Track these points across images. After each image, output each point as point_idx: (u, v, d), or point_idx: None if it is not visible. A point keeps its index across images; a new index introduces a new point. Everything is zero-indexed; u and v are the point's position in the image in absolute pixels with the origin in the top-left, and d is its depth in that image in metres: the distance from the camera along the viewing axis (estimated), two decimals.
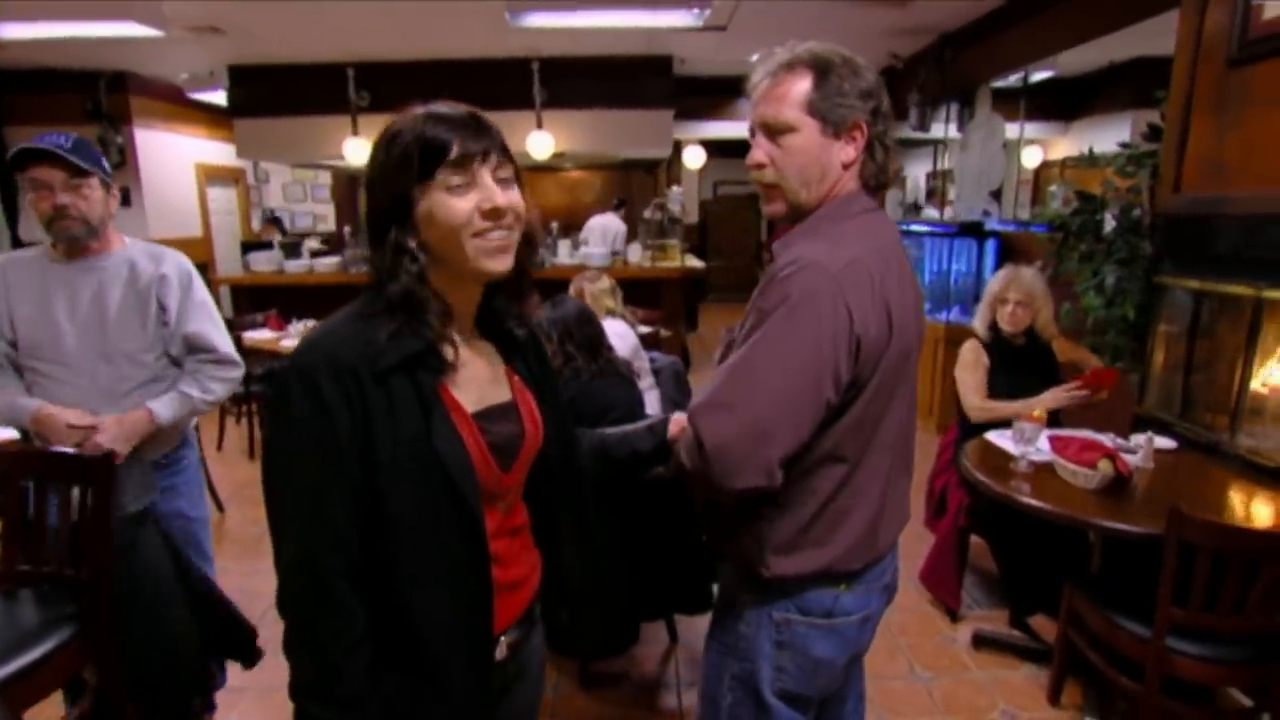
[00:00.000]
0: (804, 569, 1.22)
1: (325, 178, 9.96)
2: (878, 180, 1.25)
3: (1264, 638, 1.91)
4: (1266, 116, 2.43)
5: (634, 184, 11.06)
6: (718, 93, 7.77)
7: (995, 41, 5.14)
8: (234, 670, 2.32)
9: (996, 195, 5.96)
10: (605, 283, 3.37)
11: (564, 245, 7.16)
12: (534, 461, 1.12)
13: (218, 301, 2.26)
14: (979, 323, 2.97)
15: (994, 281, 2.94)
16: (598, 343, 2.44)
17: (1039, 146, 7.86)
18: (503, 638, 1.08)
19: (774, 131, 1.20)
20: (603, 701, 2.48)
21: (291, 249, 7.07)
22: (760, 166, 1.23)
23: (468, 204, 0.94)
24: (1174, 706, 1.98)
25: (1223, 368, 2.64)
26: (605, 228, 7.82)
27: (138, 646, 1.83)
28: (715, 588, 1.47)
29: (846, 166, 1.21)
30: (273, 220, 8.92)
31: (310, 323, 4.99)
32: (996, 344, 2.91)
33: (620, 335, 2.97)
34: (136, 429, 1.93)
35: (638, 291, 5.64)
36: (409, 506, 0.95)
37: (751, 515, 1.23)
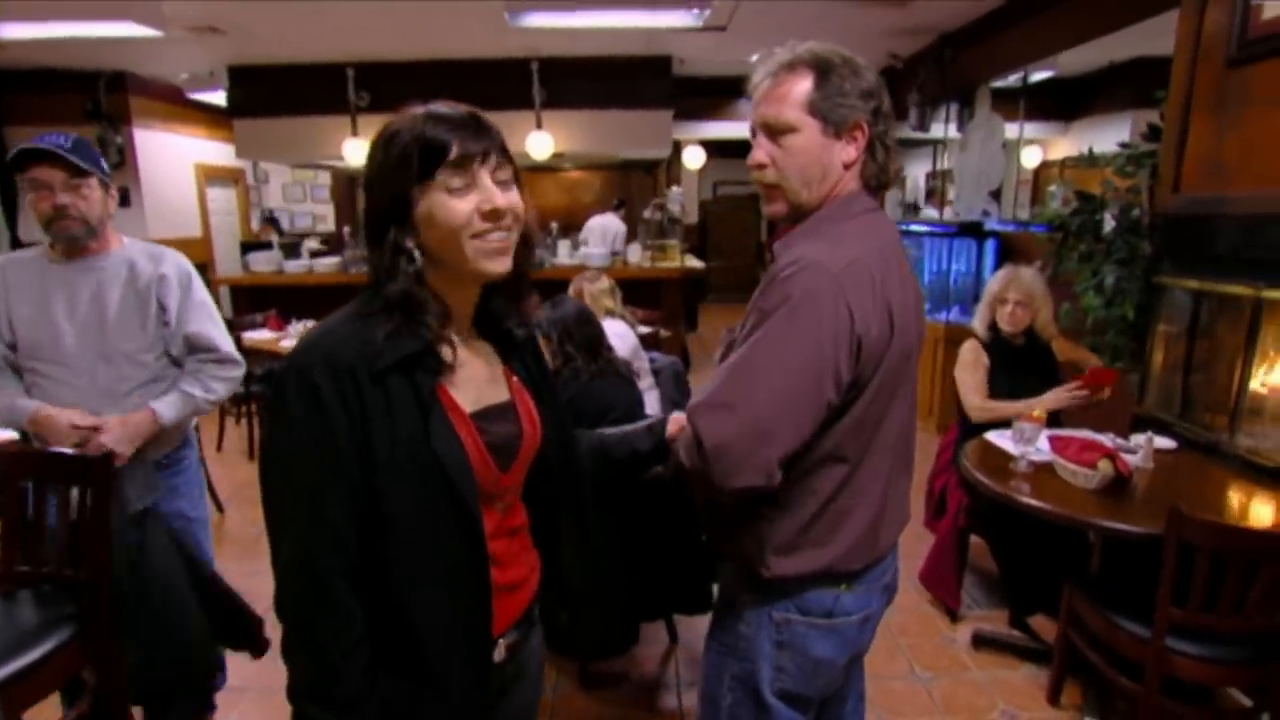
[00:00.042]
0: (804, 569, 1.22)
1: (325, 178, 9.96)
2: (879, 180, 1.25)
3: (1263, 638, 1.91)
4: (1266, 116, 2.43)
5: (633, 184, 11.06)
6: (717, 93, 7.77)
7: (995, 41, 5.14)
8: (234, 671, 2.32)
9: (996, 195, 5.96)
10: (604, 283, 3.37)
11: (564, 245, 7.16)
12: (533, 462, 1.12)
13: (217, 302, 2.26)
14: (978, 323, 2.97)
15: (993, 281, 2.94)
16: (597, 343, 2.44)
17: (1038, 146, 7.86)
18: (501, 640, 1.08)
19: (775, 132, 1.20)
20: (602, 702, 2.48)
21: (291, 249, 7.07)
22: (761, 167, 1.23)
23: (467, 205, 0.94)
24: (1174, 706, 1.98)
25: (1222, 368, 2.64)
26: (605, 228, 7.82)
27: (153, 644, 1.84)
28: (715, 588, 1.47)
29: (847, 166, 1.21)
30: (270, 220, 8.92)
31: (310, 323, 4.99)
32: (996, 344, 2.91)
33: (620, 335, 2.97)
34: (140, 429, 1.93)
35: (637, 292, 5.64)
36: (407, 507, 0.94)
37: (752, 515, 1.23)
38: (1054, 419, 2.75)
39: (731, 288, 11.53)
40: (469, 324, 1.07)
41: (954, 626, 2.87)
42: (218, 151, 8.01)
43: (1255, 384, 2.49)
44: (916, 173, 9.84)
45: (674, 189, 8.41)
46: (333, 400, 0.90)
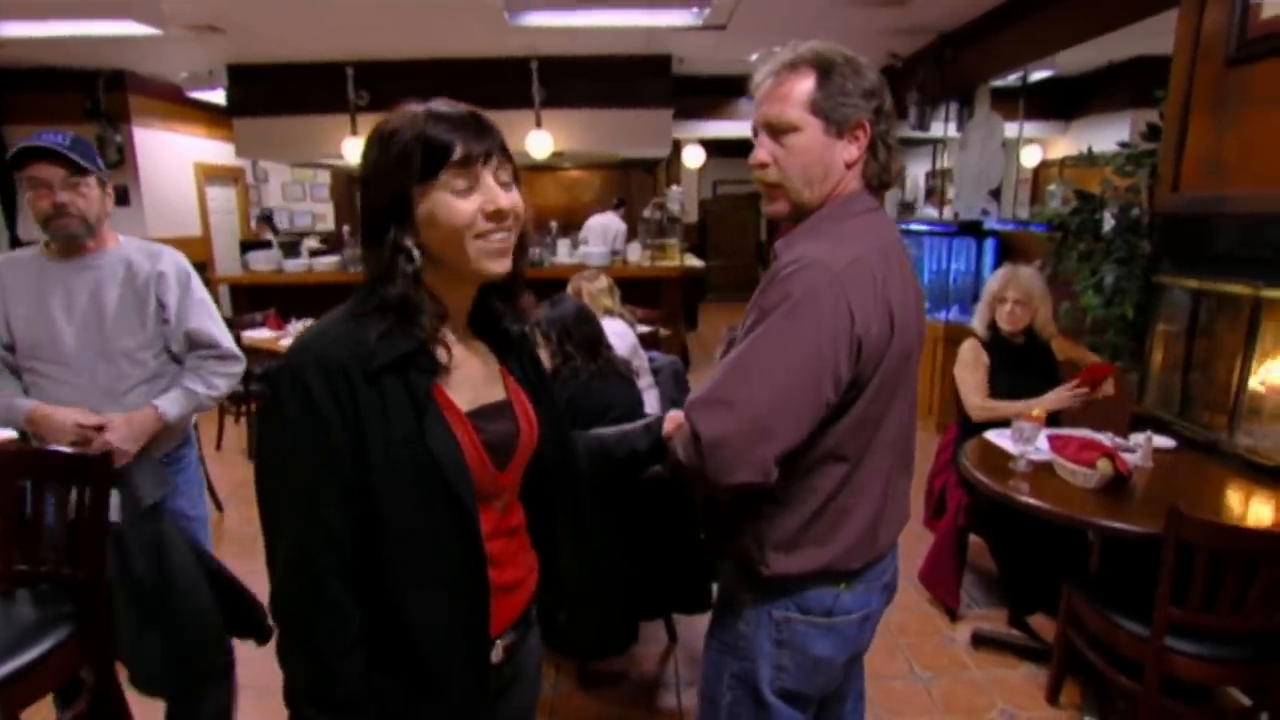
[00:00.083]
0: (804, 568, 1.22)
1: (324, 177, 9.96)
2: (880, 180, 1.25)
3: (1262, 637, 1.91)
4: (1265, 116, 2.43)
5: (633, 183, 11.06)
6: (717, 92, 7.77)
7: (994, 41, 5.14)
8: None
9: (995, 194, 5.96)
10: (603, 282, 3.37)
11: (563, 244, 7.16)
12: (530, 461, 1.12)
13: (217, 301, 2.27)
14: (978, 322, 2.97)
15: (992, 280, 2.94)
16: (596, 342, 2.44)
17: (1038, 146, 7.86)
18: (499, 640, 1.08)
19: (777, 131, 1.20)
20: (602, 701, 2.48)
21: (290, 248, 7.07)
22: (763, 166, 1.23)
23: (471, 205, 0.94)
24: (1173, 706, 1.98)
25: (1221, 367, 2.64)
26: (605, 227, 7.82)
27: (178, 636, 1.85)
28: (714, 587, 1.47)
29: (849, 166, 1.21)
30: (266, 219, 8.91)
31: (309, 322, 4.98)
32: (996, 343, 2.91)
33: (619, 334, 2.97)
34: (145, 427, 1.93)
35: (637, 291, 5.64)
36: (403, 507, 0.94)
37: (752, 513, 1.23)
38: (1053, 418, 2.75)
39: (731, 287, 11.53)
40: (465, 323, 1.07)
41: (953, 626, 2.87)
42: (217, 150, 8.00)
43: (1254, 383, 2.49)
44: (916, 172, 9.84)
45: (674, 188, 8.42)
46: (326, 400, 0.90)
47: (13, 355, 1.93)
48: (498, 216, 0.95)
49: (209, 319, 2.08)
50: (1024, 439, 2.37)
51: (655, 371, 3.24)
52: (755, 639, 1.29)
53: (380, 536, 0.94)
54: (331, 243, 8.57)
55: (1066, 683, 2.42)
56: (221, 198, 8.42)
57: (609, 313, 3.25)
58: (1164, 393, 2.91)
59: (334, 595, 0.92)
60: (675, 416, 1.27)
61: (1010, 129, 5.96)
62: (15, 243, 6.54)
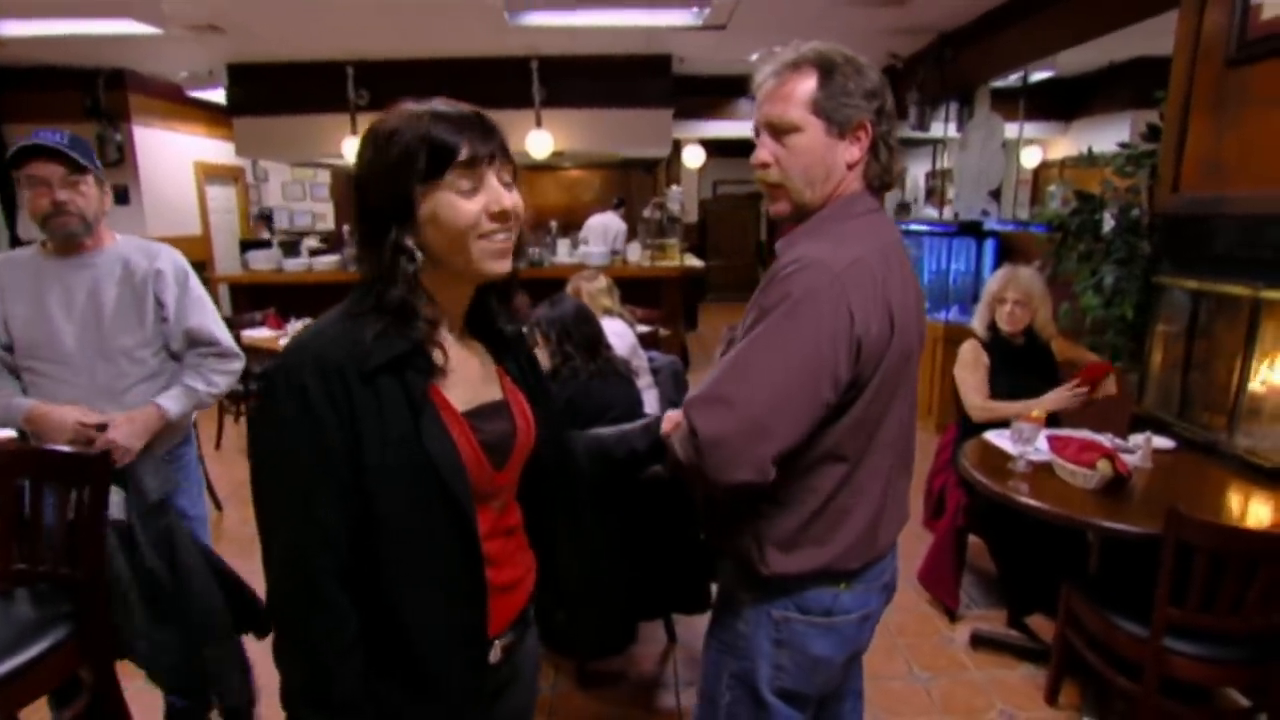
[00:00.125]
0: (804, 567, 1.22)
1: (324, 176, 9.95)
2: (881, 180, 1.25)
3: (1261, 638, 1.91)
4: (1265, 116, 2.43)
5: (633, 183, 11.06)
6: (717, 92, 7.76)
7: (994, 41, 5.14)
8: None
9: (995, 195, 5.96)
10: (602, 282, 3.37)
11: (563, 244, 7.16)
12: (528, 461, 1.11)
13: (216, 301, 2.28)
14: (978, 322, 2.97)
15: (992, 281, 2.94)
16: (596, 342, 2.44)
17: (1038, 146, 7.86)
18: (497, 641, 1.08)
19: (779, 131, 1.20)
20: (601, 700, 2.48)
21: (290, 248, 7.07)
22: (765, 166, 1.23)
23: (475, 206, 0.94)
24: (1171, 706, 1.98)
25: (1221, 368, 2.64)
26: (605, 227, 7.82)
27: (197, 630, 1.87)
28: (714, 587, 1.47)
29: (851, 166, 1.21)
30: (263, 217, 8.91)
31: (309, 321, 4.98)
32: (996, 344, 2.91)
33: (618, 334, 2.97)
34: (148, 425, 1.94)
35: (637, 291, 5.64)
36: (400, 507, 0.94)
37: (751, 513, 1.23)
38: (1053, 419, 2.75)
39: (731, 287, 11.52)
40: (461, 324, 1.06)
41: (952, 626, 2.87)
42: (217, 150, 8.00)
43: (1254, 384, 2.49)
44: (916, 172, 9.84)
45: (674, 188, 8.41)
46: (322, 400, 0.89)
47: (11, 355, 1.93)
48: (502, 217, 0.96)
49: (208, 317, 2.09)
50: (1023, 440, 2.37)
51: (655, 371, 3.24)
52: (754, 639, 1.29)
53: (377, 537, 0.94)
54: (331, 242, 8.56)
55: (1065, 683, 2.42)
56: (221, 197, 8.41)
57: (608, 313, 3.24)
58: (1163, 393, 2.91)
59: (329, 595, 0.92)
60: (673, 416, 1.27)
61: (1010, 129, 5.96)
62: (15, 242, 6.54)
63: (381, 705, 0.98)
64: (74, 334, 1.91)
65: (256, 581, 0.99)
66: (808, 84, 1.17)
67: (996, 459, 2.46)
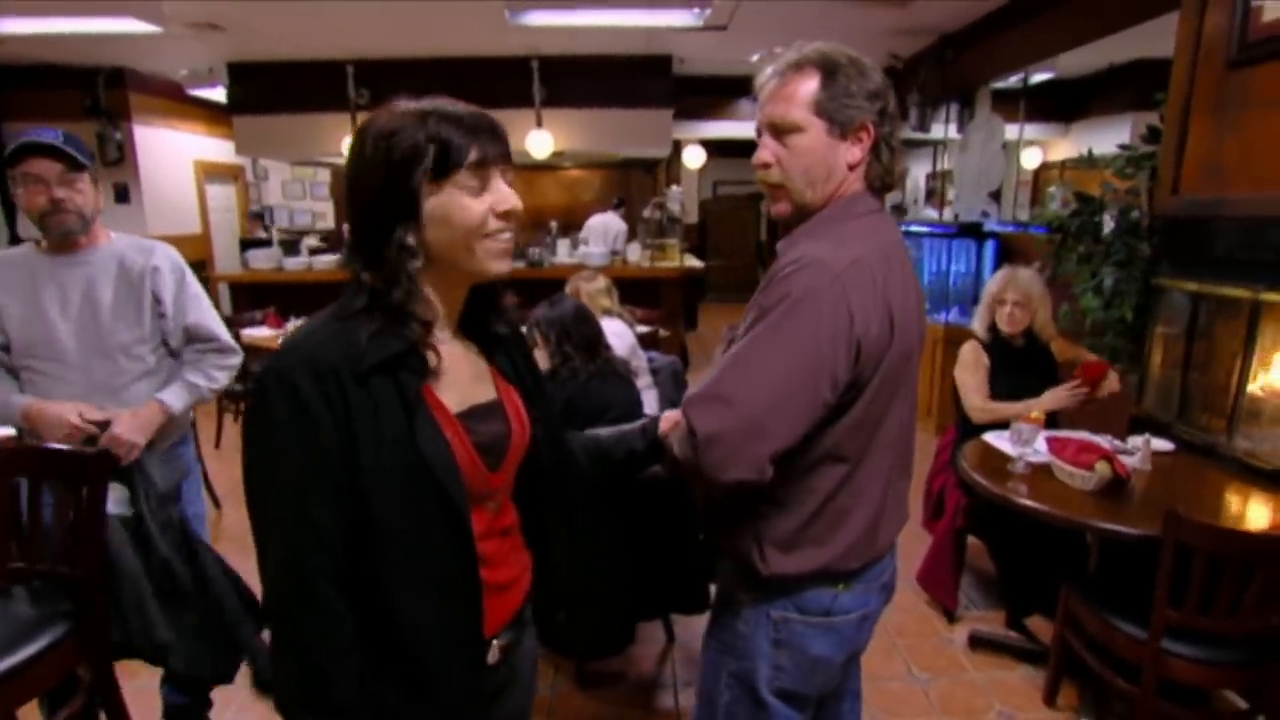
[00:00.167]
0: (803, 568, 1.22)
1: (325, 175, 9.95)
2: (883, 182, 1.25)
3: (1259, 640, 1.91)
4: (1265, 119, 2.43)
5: (633, 183, 11.06)
6: (717, 92, 7.77)
7: (995, 43, 5.14)
8: None
9: (996, 196, 5.97)
10: (601, 282, 3.37)
11: (563, 244, 7.16)
12: (523, 460, 1.11)
13: (216, 299, 2.29)
14: (978, 324, 2.97)
15: (992, 282, 2.94)
16: (595, 342, 2.44)
17: (1038, 148, 7.87)
18: (494, 641, 1.07)
19: (780, 131, 1.20)
20: (599, 700, 2.48)
21: (290, 246, 7.07)
22: (766, 166, 1.23)
23: (483, 205, 0.94)
24: (1169, 708, 1.98)
25: (1220, 370, 2.64)
26: (606, 227, 7.82)
27: (212, 611, 1.89)
28: (712, 588, 1.47)
29: (852, 167, 1.21)
30: (257, 216, 8.90)
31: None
32: (996, 345, 2.91)
33: (618, 334, 2.97)
34: (151, 420, 1.96)
35: (637, 291, 5.63)
36: (394, 508, 0.93)
37: (750, 513, 1.23)
38: (1052, 420, 2.75)
39: (731, 287, 11.53)
40: (455, 324, 1.06)
41: (951, 627, 2.87)
42: (217, 148, 8.00)
43: (1253, 386, 2.49)
44: (916, 173, 9.85)
45: (674, 188, 8.41)
46: (315, 401, 0.89)
47: (8, 355, 1.93)
48: (508, 216, 0.96)
49: (206, 313, 2.11)
50: (1022, 441, 2.37)
51: (654, 372, 3.24)
52: (753, 639, 1.29)
53: (372, 538, 0.93)
54: (331, 241, 8.57)
55: (1064, 684, 2.42)
56: (221, 196, 8.41)
57: (607, 313, 3.24)
58: (1163, 395, 2.91)
59: (324, 596, 0.91)
60: (671, 416, 1.27)
61: (1011, 131, 5.97)
62: (15, 240, 6.54)
63: (379, 707, 0.97)
64: (71, 332, 1.92)
65: (256, 581, 0.98)
66: (810, 85, 1.17)
67: (996, 460, 2.46)
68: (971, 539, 2.92)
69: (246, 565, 1.70)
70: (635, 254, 6.85)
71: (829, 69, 1.17)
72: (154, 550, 1.84)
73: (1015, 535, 2.65)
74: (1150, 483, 2.32)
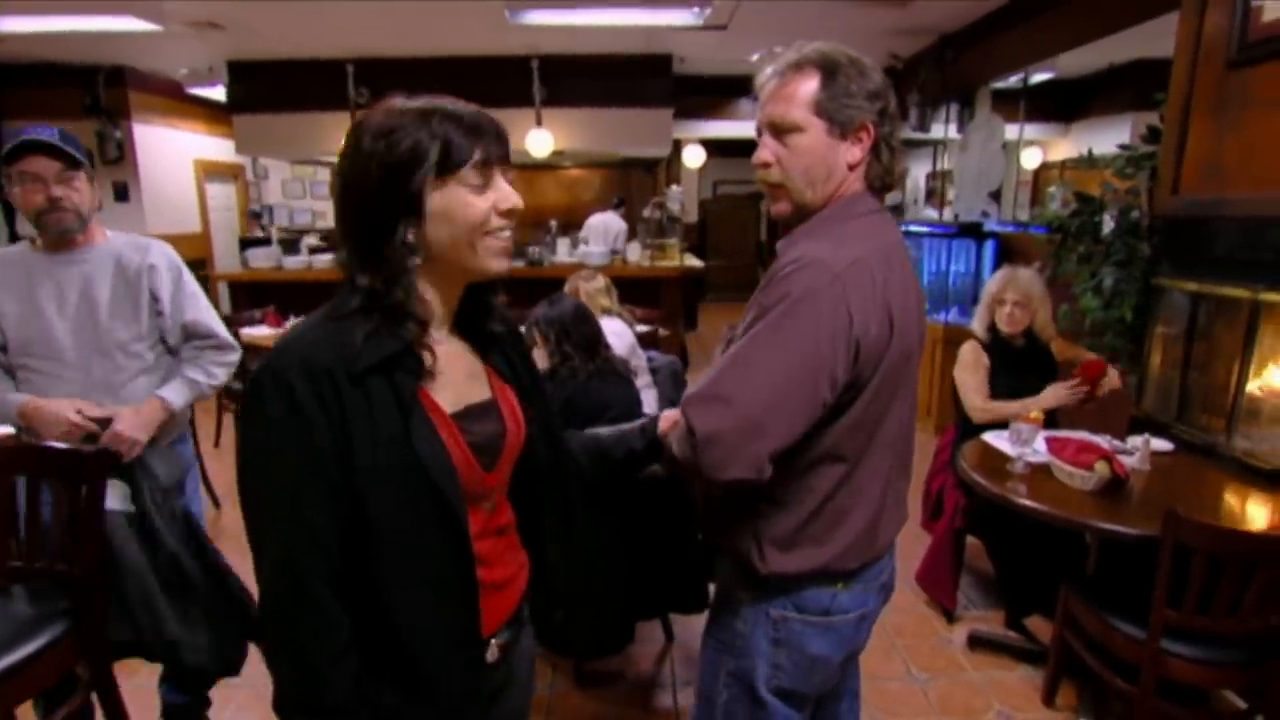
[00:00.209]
0: (802, 567, 1.22)
1: (325, 174, 9.95)
2: (883, 182, 1.25)
3: (1258, 640, 1.91)
4: (1266, 119, 2.43)
5: (633, 183, 11.07)
6: (718, 92, 7.77)
7: (995, 43, 5.14)
8: None
9: (996, 196, 5.97)
10: (600, 281, 3.37)
11: (563, 243, 7.15)
12: (519, 459, 1.11)
13: (216, 298, 2.30)
14: (978, 324, 2.97)
15: (992, 282, 2.94)
16: (595, 341, 2.44)
17: (1038, 148, 7.87)
18: (493, 640, 1.07)
19: (780, 131, 1.20)
20: (598, 700, 2.48)
21: (290, 245, 7.06)
22: (766, 166, 1.23)
23: (486, 203, 0.95)
24: (1169, 708, 1.98)
25: (1220, 370, 2.64)
26: (606, 226, 7.82)
27: (223, 601, 1.90)
28: (712, 587, 1.47)
29: (852, 167, 1.21)
30: (254, 215, 8.90)
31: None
32: (996, 345, 2.91)
33: (617, 334, 2.97)
34: (153, 417, 1.97)
35: (636, 290, 5.63)
36: (390, 509, 0.93)
37: (750, 512, 1.23)
38: (1052, 420, 2.75)
39: (731, 287, 11.53)
40: (450, 323, 1.06)
41: (950, 627, 2.87)
42: (217, 147, 8.00)
43: (1252, 386, 2.50)
44: (916, 173, 9.85)
45: (674, 188, 8.41)
46: (310, 401, 0.88)
47: (4, 354, 1.93)
48: (510, 215, 0.97)
49: (204, 310, 2.12)
50: (1022, 441, 2.37)
51: (654, 371, 3.23)
52: (752, 638, 1.29)
53: (368, 539, 0.93)
54: (331, 240, 8.54)
55: (1063, 685, 2.42)
56: (221, 194, 8.41)
57: (606, 312, 3.24)
58: (1162, 395, 2.91)
59: (319, 598, 0.91)
60: (670, 415, 1.27)
61: (1011, 131, 5.97)
62: (14, 238, 6.54)
63: (377, 708, 0.97)
64: (68, 330, 1.92)
65: (252, 583, 0.98)
66: (810, 84, 1.17)
67: (995, 460, 2.46)
68: (970, 539, 2.92)
69: (245, 565, 1.70)
70: (635, 253, 6.85)
71: (829, 69, 1.17)
72: (161, 545, 1.85)
73: (1014, 535, 2.65)
74: (1149, 483, 2.32)
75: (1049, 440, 2.38)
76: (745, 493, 1.18)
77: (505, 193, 0.97)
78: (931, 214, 7.51)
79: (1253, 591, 1.81)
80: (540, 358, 2.37)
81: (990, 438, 2.64)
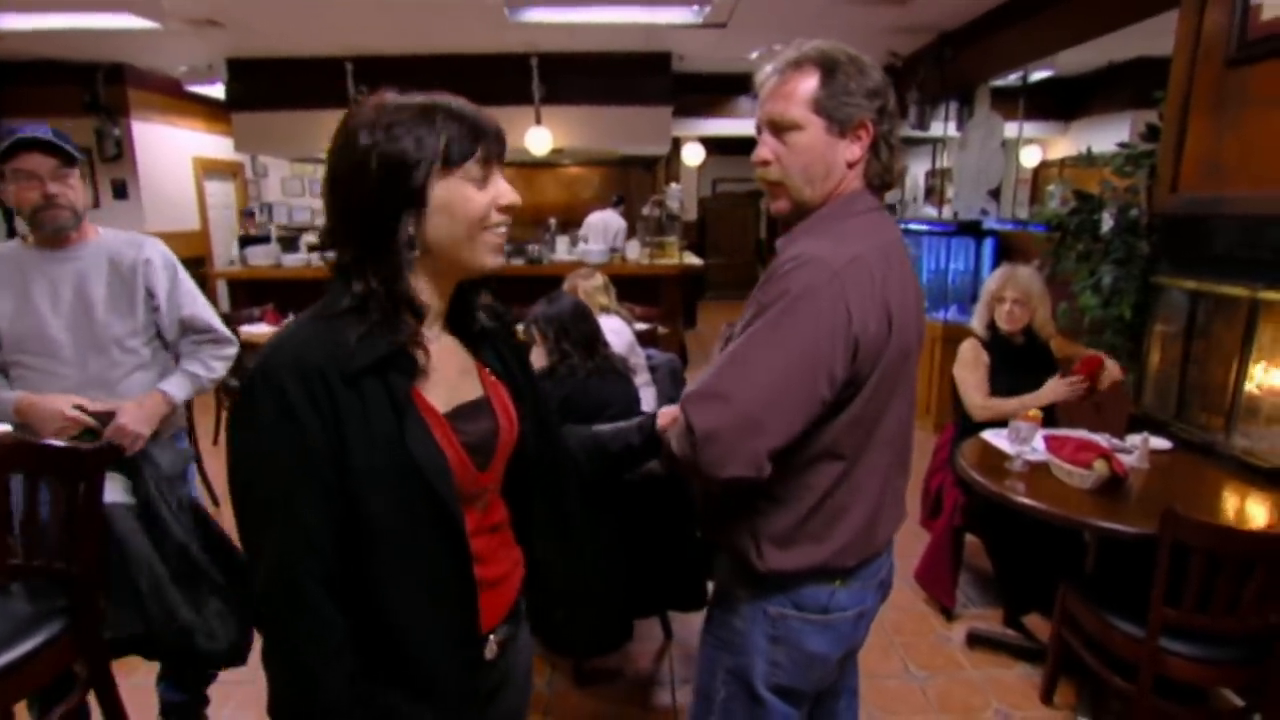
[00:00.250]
0: (800, 564, 1.23)
1: (324, 172, 9.94)
2: (882, 179, 1.25)
3: (1256, 638, 1.91)
4: (1265, 117, 2.43)
5: (632, 181, 11.05)
6: (717, 90, 7.76)
7: (995, 40, 5.14)
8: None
9: (995, 194, 5.97)
10: (598, 279, 3.37)
11: (562, 241, 7.15)
12: (513, 455, 1.10)
13: (215, 296, 2.30)
14: (977, 322, 2.97)
15: (991, 280, 2.94)
16: (593, 339, 2.44)
17: (1038, 146, 7.87)
18: (491, 636, 1.07)
19: (780, 129, 1.20)
20: (598, 698, 2.48)
21: (289, 243, 7.05)
22: (765, 164, 1.23)
23: (485, 197, 0.95)
24: (1167, 706, 1.98)
25: (1218, 368, 2.64)
26: (605, 224, 7.81)
27: (236, 585, 1.91)
28: (710, 584, 1.46)
29: (851, 165, 1.21)
30: (249, 214, 8.89)
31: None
32: (995, 343, 2.91)
33: (616, 331, 2.97)
34: (156, 411, 1.97)
35: (636, 288, 5.63)
36: (385, 510, 0.92)
37: (748, 510, 1.23)
38: (1051, 417, 2.75)
39: (730, 285, 11.52)
40: (442, 319, 1.05)
41: (949, 625, 2.88)
42: (216, 145, 7.99)
43: (1251, 385, 2.50)
44: (916, 171, 9.85)
45: (673, 186, 8.40)
46: (302, 402, 0.88)
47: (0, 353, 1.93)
48: (508, 210, 0.98)
49: (201, 304, 2.13)
50: (1020, 439, 2.37)
51: (653, 369, 3.24)
52: (750, 635, 1.29)
53: (363, 539, 0.92)
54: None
55: (1061, 683, 2.42)
56: (220, 192, 8.40)
57: (605, 310, 3.24)
58: (1161, 394, 2.92)
59: (313, 599, 0.90)
60: (668, 412, 1.27)
61: (1010, 129, 5.96)
62: (12, 235, 6.54)
63: (374, 710, 0.96)
64: (62, 326, 1.92)
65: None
66: (809, 82, 1.17)
67: (994, 458, 2.46)
68: (969, 537, 2.92)
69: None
70: (634, 251, 6.84)
71: (828, 67, 1.17)
72: (168, 534, 1.85)
73: (1013, 533, 2.65)
74: (1148, 481, 2.32)
75: (1048, 438, 2.38)
76: (744, 490, 1.18)
77: (504, 189, 0.98)
78: (931, 212, 7.51)
79: (1251, 590, 1.82)
80: (539, 356, 2.37)
81: (989, 436, 2.64)
